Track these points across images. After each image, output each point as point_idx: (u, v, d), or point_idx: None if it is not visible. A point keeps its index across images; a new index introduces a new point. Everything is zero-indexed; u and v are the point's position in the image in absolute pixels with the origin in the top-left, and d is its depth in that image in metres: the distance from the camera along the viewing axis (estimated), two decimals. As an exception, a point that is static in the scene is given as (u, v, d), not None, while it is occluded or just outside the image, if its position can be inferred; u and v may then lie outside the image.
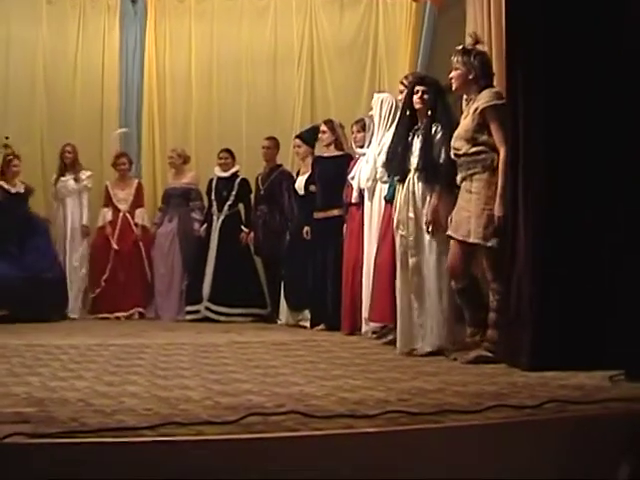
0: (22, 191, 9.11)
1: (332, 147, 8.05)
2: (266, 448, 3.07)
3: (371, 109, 7.10)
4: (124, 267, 9.32)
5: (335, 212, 7.81)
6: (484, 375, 4.69)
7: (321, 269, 7.86)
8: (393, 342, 6.18)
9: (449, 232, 5.55)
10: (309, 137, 8.48)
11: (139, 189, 9.64)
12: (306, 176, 8.34)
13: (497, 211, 5.29)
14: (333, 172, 7.81)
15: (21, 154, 9.20)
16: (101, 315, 9.16)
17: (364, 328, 7.08)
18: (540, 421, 3.47)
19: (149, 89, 10.07)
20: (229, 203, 9.17)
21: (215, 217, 9.19)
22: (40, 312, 8.48)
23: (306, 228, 8.09)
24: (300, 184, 8.41)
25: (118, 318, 9.10)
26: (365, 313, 6.95)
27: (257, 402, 3.74)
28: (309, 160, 8.42)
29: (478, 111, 5.40)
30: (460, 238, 5.48)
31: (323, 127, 8.11)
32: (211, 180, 9.33)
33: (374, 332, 6.86)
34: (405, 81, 6.53)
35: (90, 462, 2.90)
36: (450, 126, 5.68)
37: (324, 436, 3.12)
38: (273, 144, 9.14)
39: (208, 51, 10.24)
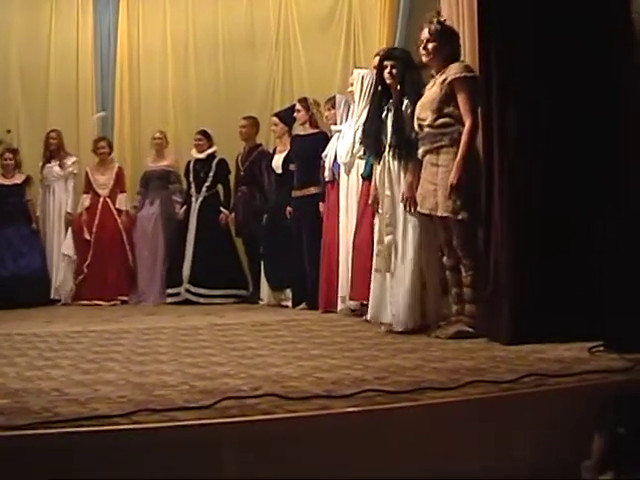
0: (19, 182, 9.31)
1: (307, 125, 7.99)
2: (241, 432, 3.05)
3: (350, 85, 7.02)
4: (106, 253, 9.23)
5: (312, 190, 7.75)
6: (463, 350, 4.67)
7: (300, 248, 7.81)
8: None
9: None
10: (286, 116, 8.40)
11: (120, 174, 9.53)
12: (283, 155, 8.28)
13: (452, 178, 5.25)
14: (309, 150, 7.74)
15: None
16: (84, 302, 9.09)
17: (339, 306, 7.02)
18: (518, 395, 3.45)
19: (122, 72, 9.92)
20: (207, 184, 9.09)
21: (194, 199, 9.12)
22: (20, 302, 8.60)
23: (289, 208, 8.02)
24: (277, 163, 8.35)
25: (100, 305, 9.03)
26: (340, 291, 6.92)
27: (233, 385, 3.72)
28: (286, 138, 8.36)
29: (447, 82, 5.36)
30: (426, 212, 5.45)
31: (297, 105, 8.05)
32: (189, 162, 9.25)
33: (353, 310, 6.83)
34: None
35: (62, 452, 2.88)
36: (419, 99, 5.60)
37: (299, 418, 3.10)
38: (250, 123, 9.05)
39: (184, 31, 10.10)
